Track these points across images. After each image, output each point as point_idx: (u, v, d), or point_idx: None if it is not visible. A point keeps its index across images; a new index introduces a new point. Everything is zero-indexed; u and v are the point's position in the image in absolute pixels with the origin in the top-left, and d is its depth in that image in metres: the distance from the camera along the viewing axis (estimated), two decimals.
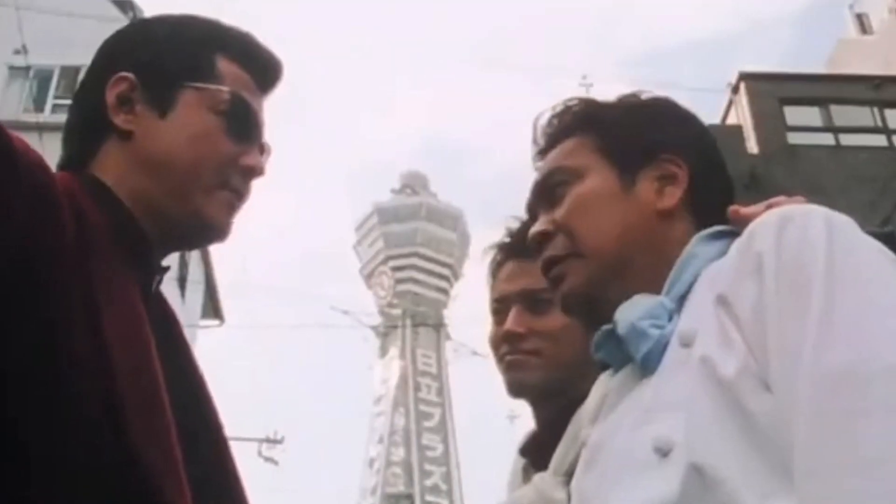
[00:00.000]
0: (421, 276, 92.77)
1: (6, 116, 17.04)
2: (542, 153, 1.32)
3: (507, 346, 1.65)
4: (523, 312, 1.65)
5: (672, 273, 1.15)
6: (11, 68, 18.10)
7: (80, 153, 1.24)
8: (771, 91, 16.59)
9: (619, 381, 1.15)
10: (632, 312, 1.12)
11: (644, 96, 1.34)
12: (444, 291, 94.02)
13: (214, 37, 1.29)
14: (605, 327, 1.15)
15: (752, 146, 15.95)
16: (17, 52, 17.86)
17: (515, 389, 1.66)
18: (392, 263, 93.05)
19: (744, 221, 1.12)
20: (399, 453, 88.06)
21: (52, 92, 18.29)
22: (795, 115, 16.44)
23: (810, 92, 16.82)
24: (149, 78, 1.23)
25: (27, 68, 18.13)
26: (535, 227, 1.26)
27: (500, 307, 1.70)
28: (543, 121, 1.34)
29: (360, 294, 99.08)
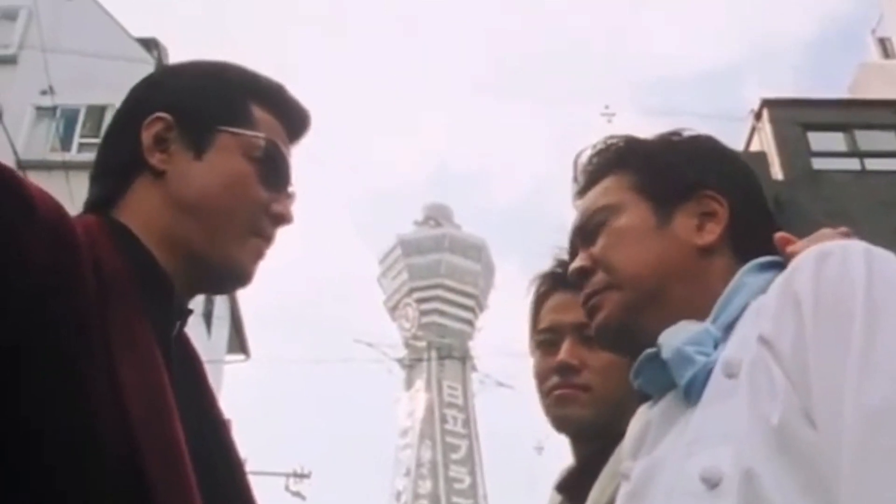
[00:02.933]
0: (445, 308, 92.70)
1: (33, 156, 17.25)
2: (582, 192, 1.34)
3: (557, 378, 1.62)
4: (577, 345, 1.61)
5: (720, 301, 1.15)
6: (38, 108, 18.33)
7: (110, 193, 1.23)
8: (794, 117, 16.54)
9: (660, 412, 1.15)
10: (677, 337, 1.12)
11: (686, 133, 1.34)
12: (469, 322, 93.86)
13: (249, 84, 1.30)
14: (649, 351, 1.14)
15: (777, 172, 15.89)
16: (43, 92, 18.08)
17: (562, 424, 1.63)
18: (416, 295, 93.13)
19: (790, 254, 1.13)
20: (426, 486, 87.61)
21: (78, 131, 18.50)
22: (819, 140, 16.37)
23: (834, 117, 16.76)
24: (185, 119, 1.23)
25: (54, 108, 18.36)
26: (574, 264, 1.27)
27: (549, 337, 1.67)
28: (584, 159, 1.35)
29: (385, 326, 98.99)
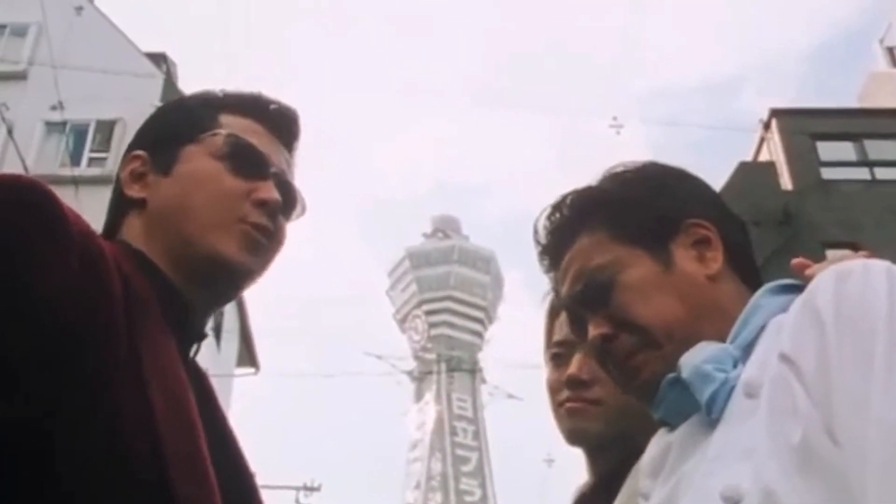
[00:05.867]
0: (455, 320, 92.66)
1: (43, 171, 17.29)
2: (553, 258, 1.30)
3: (568, 391, 1.61)
4: (588, 359, 1.58)
5: (737, 323, 1.14)
6: (48, 124, 18.40)
7: (109, 230, 1.28)
8: (803, 126, 16.53)
9: (682, 434, 1.14)
10: (696, 357, 1.11)
11: (631, 167, 1.31)
12: (479, 334, 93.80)
13: (218, 99, 1.34)
14: (670, 376, 1.13)
15: (786, 182, 15.87)
16: (53, 107, 18.16)
17: (574, 438, 1.63)
18: (426, 307, 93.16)
19: (808, 277, 1.12)
20: (437, 499, 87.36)
21: (88, 146, 18.56)
22: (829, 150, 16.35)
23: (843, 127, 16.73)
24: (156, 148, 1.28)
25: (63, 123, 18.43)
26: (595, 332, 1.22)
27: (561, 351, 1.66)
28: (544, 224, 1.31)
29: (394, 338, 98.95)
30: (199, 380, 1.26)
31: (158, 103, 19.83)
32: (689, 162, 1.37)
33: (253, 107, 1.33)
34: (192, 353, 1.23)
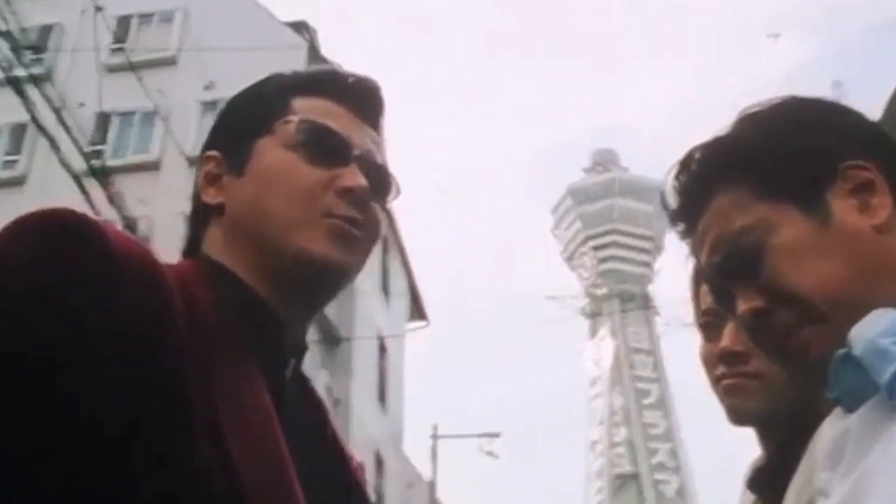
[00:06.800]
0: (622, 253, 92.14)
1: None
2: (688, 222, 1.13)
3: (724, 366, 1.46)
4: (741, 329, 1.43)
5: None
6: (203, 104, 19.01)
7: (192, 243, 1.19)
8: None
9: (860, 420, 0.98)
10: (870, 329, 0.95)
11: (767, 106, 1.12)
12: (648, 265, 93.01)
13: (289, 81, 1.23)
14: (840, 352, 0.96)
15: None
16: (206, 87, 18.76)
17: (736, 417, 1.48)
18: (592, 243, 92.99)
19: None
20: (621, 434, 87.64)
21: None
22: None
23: None
24: (229, 146, 1.18)
25: (214, 102, 19.00)
26: (745, 306, 1.06)
27: (711, 320, 1.50)
28: (671, 183, 1.14)
29: (564, 277, 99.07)
30: (309, 403, 1.17)
31: None
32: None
33: (327, 85, 1.21)
34: (289, 370, 1.12)
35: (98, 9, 12.64)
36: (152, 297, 0.97)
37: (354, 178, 1.13)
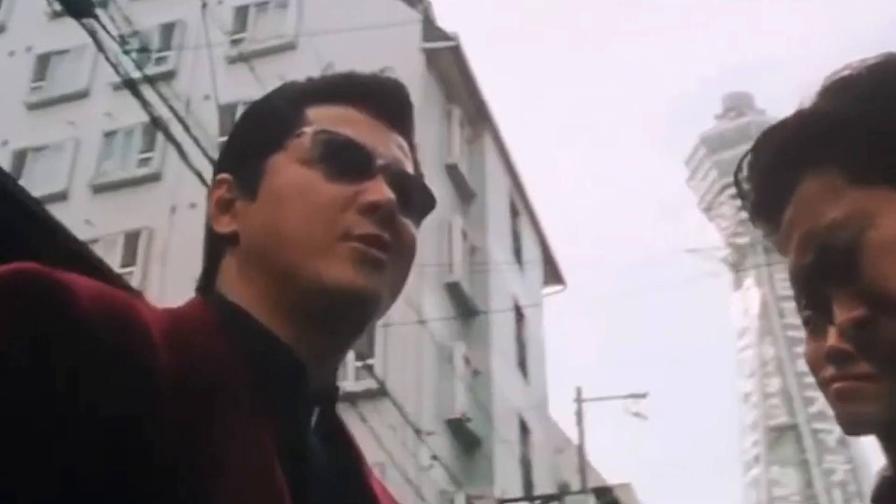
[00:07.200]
0: None
1: None
2: (763, 212, 0.98)
3: (833, 368, 1.29)
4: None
5: None
6: None
7: (207, 277, 1.08)
8: None
9: None
10: None
11: (860, 69, 0.93)
12: None
13: (303, 91, 1.11)
14: None
15: None
16: (325, 69, 18.87)
17: (851, 425, 1.31)
18: (730, 192, 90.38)
19: None
20: (774, 384, 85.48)
21: None
22: None
23: None
24: (239, 168, 1.07)
25: None
26: (845, 316, 0.90)
27: (815, 316, 1.32)
28: (745, 170, 0.99)
29: (703, 229, 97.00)
30: (336, 449, 1.04)
31: (423, 45, 20.21)
32: None
33: (344, 90, 1.08)
34: (314, 417, 1.00)
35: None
36: (121, 354, 0.87)
37: (379, 191, 1.01)
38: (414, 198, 1.06)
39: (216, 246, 1.07)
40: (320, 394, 1.01)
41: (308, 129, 1.03)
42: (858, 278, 0.88)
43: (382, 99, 1.09)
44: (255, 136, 1.08)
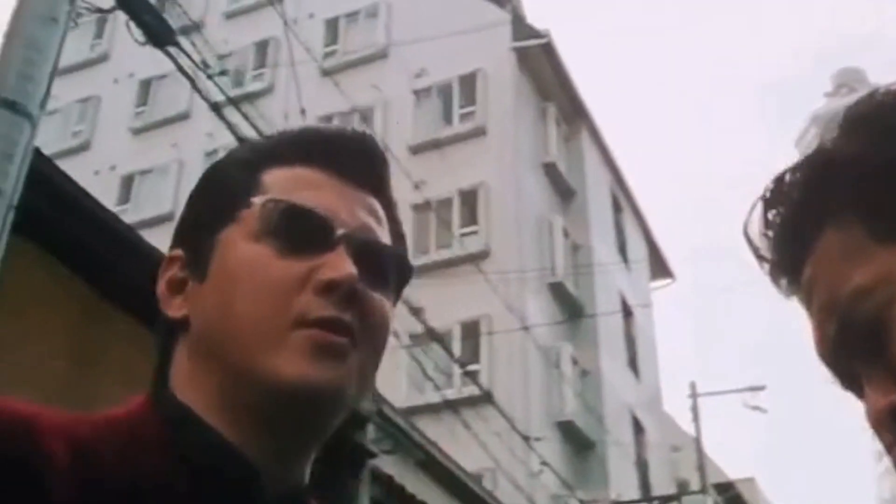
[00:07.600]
0: None
1: (423, 138, 18.17)
2: (782, 271, 0.83)
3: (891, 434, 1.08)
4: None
5: None
6: (415, 92, 19.21)
7: (159, 370, 0.95)
8: None
9: None
10: None
11: (891, 99, 0.77)
12: None
13: (259, 153, 0.98)
14: None
15: None
16: (417, 75, 18.95)
17: None
18: None
19: None
20: None
21: (456, 103, 19.14)
22: None
23: None
24: (192, 243, 0.95)
25: (429, 89, 19.16)
26: (878, 402, 0.78)
27: None
28: (758, 223, 0.83)
29: None
30: None
31: (514, 45, 20.02)
32: None
33: (304, 149, 0.96)
34: None
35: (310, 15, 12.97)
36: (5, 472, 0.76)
37: (336, 267, 0.88)
38: (385, 268, 0.93)
39: (168, 332, 0.94)
40: (283, 498, 0.88)
41: (257, 200, 0.91)
42: (888, 355, 0.75)
43: (348, 156, 0.96)
44: (206, 208, 0.96)
